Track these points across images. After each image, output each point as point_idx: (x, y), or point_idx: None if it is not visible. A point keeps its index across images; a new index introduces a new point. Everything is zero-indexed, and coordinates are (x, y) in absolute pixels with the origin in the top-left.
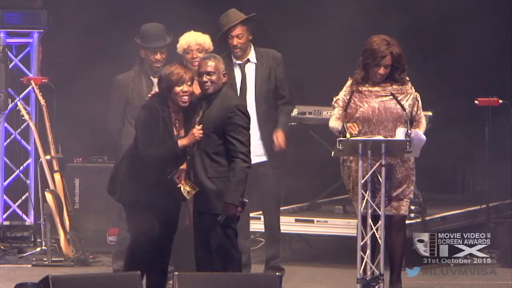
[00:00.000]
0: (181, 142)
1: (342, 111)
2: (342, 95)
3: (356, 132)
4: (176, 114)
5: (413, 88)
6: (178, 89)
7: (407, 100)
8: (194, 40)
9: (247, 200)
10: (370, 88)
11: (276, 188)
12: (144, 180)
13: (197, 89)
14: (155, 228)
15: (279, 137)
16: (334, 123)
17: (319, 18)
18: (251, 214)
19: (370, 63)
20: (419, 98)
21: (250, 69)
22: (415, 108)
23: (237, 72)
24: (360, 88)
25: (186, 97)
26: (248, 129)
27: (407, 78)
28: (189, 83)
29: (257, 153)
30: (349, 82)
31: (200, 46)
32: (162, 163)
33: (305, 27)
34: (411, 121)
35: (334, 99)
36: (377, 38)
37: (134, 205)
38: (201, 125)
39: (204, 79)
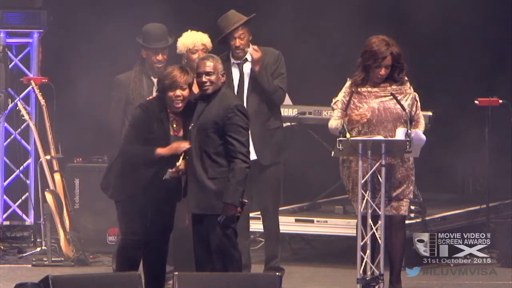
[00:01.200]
0: (160, 151)
1: (341, 112)
2: (341, 96)
3: (368, 117)
4: (174, 115)
5: (411, 88)
6: (171, 93)
7: (406, 100)
8: (199, 40)
9: (246, 201)
10: (369, 89)
11: (271, 186)
12: (137, 179)
13: (196, 89)
14: (145, 227)
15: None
16: (334, 123)
17: (319, 18)
18: (251, 214)
19: (371, 64)
20: (417, 98)
21: (248, 68)
22: (414, 108)
23: (235, 71)
24: (359, 89)
25: (179, 102)
26: (247, 129)
27: (406, 78)
28: (183, 87)
29: None
30: (348, 83)
31: (205, 46)
32: (137, 164)
33: (305, 27)
34: (410, 121)
35: (333, 101)
36: (376, 39)
37: (125, 203)
38: (188, 141)
39: (203, 79)
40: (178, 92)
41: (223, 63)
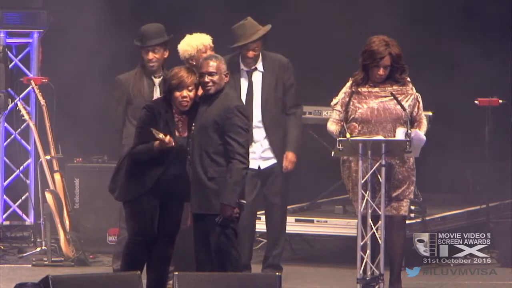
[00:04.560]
0: (155, 145)
1: (340, 115)
2: (341, 97)
3: (356, 132)
4: (179, 116)
5: (414, 88)
6: (177, 93)
7: (407, 101)
8: (207, 40)
9: (244, 201)
10: (370, 89)
11: (284, 189)
12: (142, 180)
13: (200, 89)
14: (152, 228)
15: (287, 160)
16: (333, 127)
17: (320, 18)
18: None
19: (369, 64)
20: (420, 99)
21: (257, 78)
22: (416, 109)
23: (243, 79)
24: (359, 89)
25: (185, 102)
26: (247, 130)
27: (408, 79)
28: (190, 88)
29: (268, 157)
30: (349, 83)
31: (210, 47)
32: (145, 162)
33: (305, 27)
34: (412, 122)
35: (333, 102)
36: (376, 39)
37: (132, 204)
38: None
39: (206, 79)
40: (185, 92)
41: (230, 66)
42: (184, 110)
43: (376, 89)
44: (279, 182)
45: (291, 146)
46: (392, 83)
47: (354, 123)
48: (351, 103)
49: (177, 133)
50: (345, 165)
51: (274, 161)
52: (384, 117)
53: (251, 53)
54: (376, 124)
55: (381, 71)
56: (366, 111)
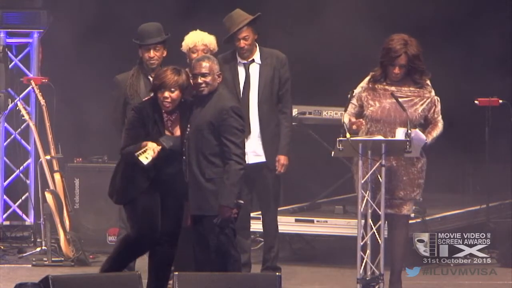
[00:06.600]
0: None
1: (355, 108)
2: (358, 91)
3: (362, 128)
4: (169, 115)
5: (432, 91)
6: (159, 94)
7: (422, 105)
8: (200, 39)
9: (242, 202)
10: (386, 87)
11: (274, 189)
12: (136, 182)
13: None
14: (157, 224)
15: (280, 162)
16: (346, 119)
17: (321, 17)
18: (251, 214)
19: (386, 61)
20: (437, 103)
21: (254, 70)
22: (431, 112)
23: (241, 71)
24: (376, 86)
25: (167, 103)
26: (242, 131)
27: (428, 82)
28: (172, 89)
29: (257, 153)
30: (367, 78)
31: (206, 47)
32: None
33: (305, 27)
34: (428, 124)
35: (350, 94)
36: (396, 37)
37: (131, 205)
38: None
39: (199, 80)
40: (166, 93)
41: (228, 61)
42: (167, 110)
43: (393, 88)
44: (269, 185)
45: (283, 149)
46: (410, 84)
47: (361, 120)
48: (366, 99)
49: (167, 133)
50: (354, 162)
51: (263, 159)
52: (393, 118)
53: (242, 43)
54: (385, 125)
55: (396, 70)
56: (377, 109)
